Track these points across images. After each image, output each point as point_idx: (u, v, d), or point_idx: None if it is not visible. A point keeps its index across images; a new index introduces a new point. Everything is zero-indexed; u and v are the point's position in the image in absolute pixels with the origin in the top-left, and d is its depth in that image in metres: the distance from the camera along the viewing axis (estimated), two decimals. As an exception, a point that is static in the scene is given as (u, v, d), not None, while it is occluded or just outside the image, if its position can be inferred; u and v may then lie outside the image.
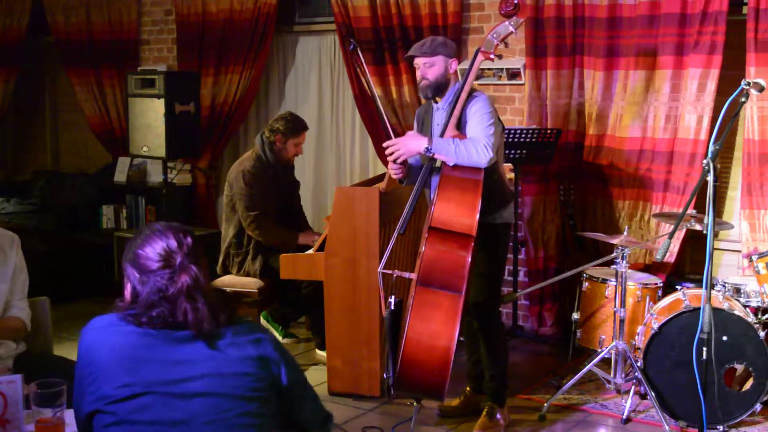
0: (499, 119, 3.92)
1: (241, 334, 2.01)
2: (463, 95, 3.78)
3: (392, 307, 3.63)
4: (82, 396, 1.95)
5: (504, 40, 3.85)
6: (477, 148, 3.63)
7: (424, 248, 3.60)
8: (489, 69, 5.58)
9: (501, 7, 3.86)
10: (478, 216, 3.60)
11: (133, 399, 1.89)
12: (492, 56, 3.85)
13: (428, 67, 3.87)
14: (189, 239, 2.03)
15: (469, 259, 3.58)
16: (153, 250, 1.99)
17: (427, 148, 3.71)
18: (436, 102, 3.96)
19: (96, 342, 1.96)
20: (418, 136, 3.85)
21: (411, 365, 3.54)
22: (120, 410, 1.89)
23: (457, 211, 3.62)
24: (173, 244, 2.00)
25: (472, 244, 3.60)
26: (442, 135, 3.77)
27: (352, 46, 3.78)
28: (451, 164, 3.69)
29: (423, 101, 4.25)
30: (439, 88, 3.89)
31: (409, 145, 3.80)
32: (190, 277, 1.98)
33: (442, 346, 3.50)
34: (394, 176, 3.97)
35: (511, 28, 3.82)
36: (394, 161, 3.86)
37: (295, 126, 5.13)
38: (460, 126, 3.80)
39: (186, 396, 1.91)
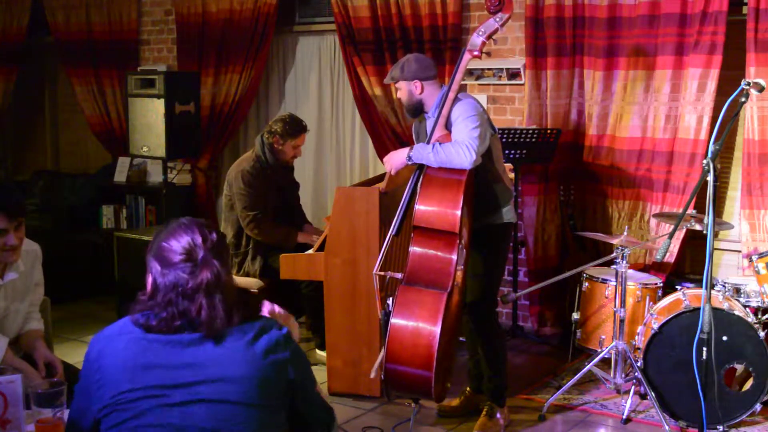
0: (491, 121, 3.92)
1: (248, 331, 1.97)
2: (451, 95, 3.79)
3: (389, 308, 3.63)
4: (90, 402, 1.96)
5: (491, 37, 3.85)
6: (459, 150, 3.63)
7: (410, 247, 3.62)
8: (489, 69, 5.58)
9: (487, 4, 3.86)
10: (459, 213, 3.61)
11: (133, 402, 1.89)
12: (477, 53, 3.84)
13: (398, 90, 3.97)
14: (214, 235, 2.03)
15: (455, 257, 3.59)
16: (178, 243, 1.99)
17: (408, 156, 3.78)
18: (425, 112, 3.97)
19: (105, 350, 1.97)
20: (402, 149, 3.92)
21: (395, 363, 3.55)
22: (121, 416, 1.90)
23: (438, 209, 3.64)
24: (198, 238, 2.00)
25: (457, 241, 3.60)
26: (430, 139, 3.79)
27: None
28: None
29: None
30: (415, 109, 3.95)
31: (395, 158, 3.89)
32: (212, 272, 1.97)
33: (425, 344, 3.50)
34: None
35: (496, 25, 3.82)
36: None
37: (294, 128, 5.12)
38: (448, 126, 3.81)
39: (185, 403, 1.89)
